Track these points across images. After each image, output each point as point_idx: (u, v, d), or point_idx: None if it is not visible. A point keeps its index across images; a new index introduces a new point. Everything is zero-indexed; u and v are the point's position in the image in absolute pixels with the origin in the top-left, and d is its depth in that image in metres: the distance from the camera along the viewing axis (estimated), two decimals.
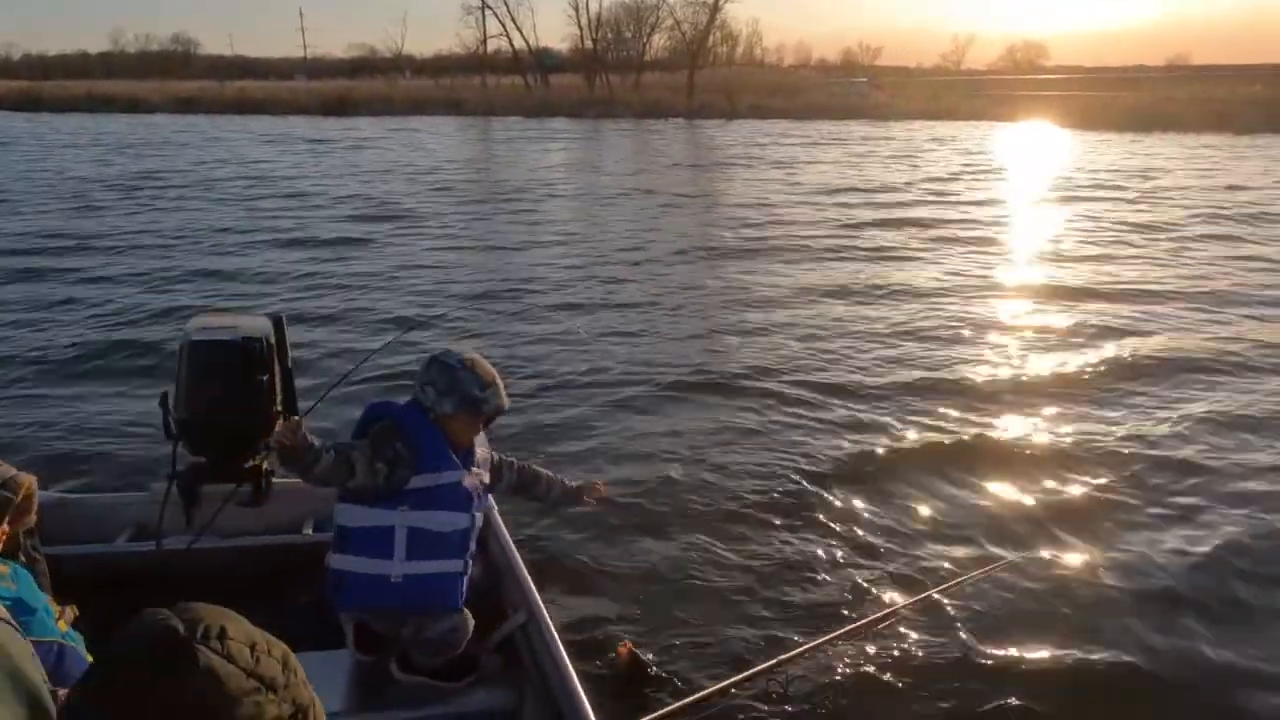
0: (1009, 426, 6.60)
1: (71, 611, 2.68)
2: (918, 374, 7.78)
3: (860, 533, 5.00)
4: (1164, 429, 6.55)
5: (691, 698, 3.36)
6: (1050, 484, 5.65)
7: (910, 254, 13.35)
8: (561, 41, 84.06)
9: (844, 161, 27.36)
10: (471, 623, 3.03)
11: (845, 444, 6.24)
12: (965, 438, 6.36)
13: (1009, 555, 4.74)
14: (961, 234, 14.90)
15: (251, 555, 3.76)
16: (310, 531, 3.99)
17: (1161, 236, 14.77)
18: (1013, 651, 3.96)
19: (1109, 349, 8.52)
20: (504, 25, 70.15)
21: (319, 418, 4.59)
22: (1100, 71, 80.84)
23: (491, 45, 69.49)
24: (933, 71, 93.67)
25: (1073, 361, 8.13)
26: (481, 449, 3.21)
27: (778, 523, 5.11)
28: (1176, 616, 4.28)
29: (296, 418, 2.93)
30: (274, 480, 3.99)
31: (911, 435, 6.42)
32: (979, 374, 7.78)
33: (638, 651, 3.64)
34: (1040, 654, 3.95)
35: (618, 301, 10.42)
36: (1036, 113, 46.23)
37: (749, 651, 3.87)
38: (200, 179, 21.71)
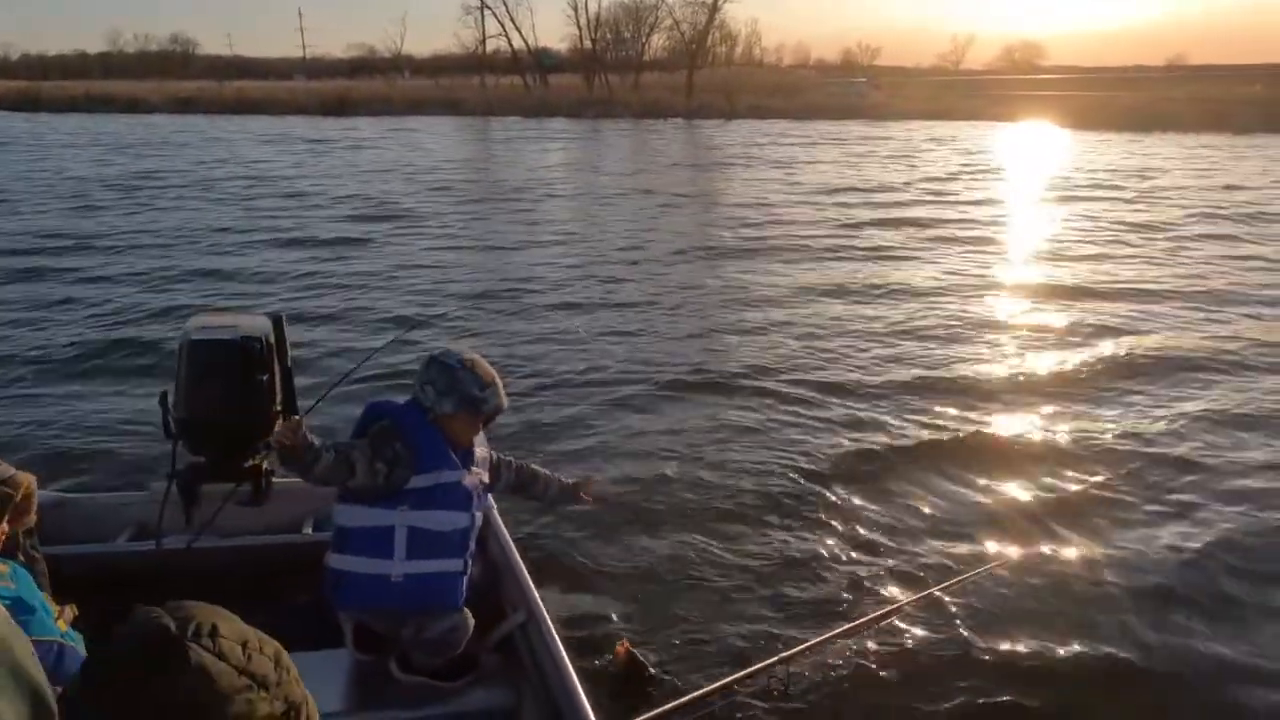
0: (1007, 424, 6.62)
1: (71, 611, 2.68)
2: (915, 373, 7.80)
3: (859, 530, 5.01)
4: (1160, 426, 6.57)
5: (690, 696, 3.35)
6: (1048, 481, 5.67)
7: (908, 253, 13.36)
8: (560, 41, 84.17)
9: (842, 161, 27.38)
10: (471, 622, 3.03)
11: (843, 442, 6.26)
12: (964, 436, 6.37)
13: (1008, 553, 4.76)
14: (959, 234, 14.92)
15: (251, 555, 3.76)
16: (310, 531, 3.99)
17: (1159, 236, 14.81)
18: (1012, 649, 3.97)
19: (1106, 347, 8.54)
20: (503, 25, 70.25)
21: (319, 417, 4.59)
22: (1099, 71, 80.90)
23: (490, 45, 69.56)
24: (931, 71, 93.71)
25: (1070, 360, 8.15)
26: (481, 449, 3.21)
27: (776, 521, 5.12)
28: (1175, 613, 4.29)
29: (296, 417, 2.93)
30: (274, 480, 3.99)
31: (910, 434, 6.43)
32: (976, 372, 7.80)
33: (635, 651, 3.65)
34: (1040, 651, 3.96)
35: (616, 301, 10.43)
36: (1035, 113, 46.26)
37: (748, 649, 3.88)
38: (199, 179, 21.71)
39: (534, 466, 3.58)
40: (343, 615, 3.08)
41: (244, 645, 1.04)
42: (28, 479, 2.67)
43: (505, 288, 10.99)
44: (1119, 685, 3.80)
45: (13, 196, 18.09)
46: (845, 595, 4.37)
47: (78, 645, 2.27)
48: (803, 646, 3.74)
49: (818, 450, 6.11)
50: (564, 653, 2.92)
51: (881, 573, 4.58)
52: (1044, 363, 8.11)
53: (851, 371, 7.84)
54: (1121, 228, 15.49)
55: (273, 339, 3.87)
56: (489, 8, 66.66)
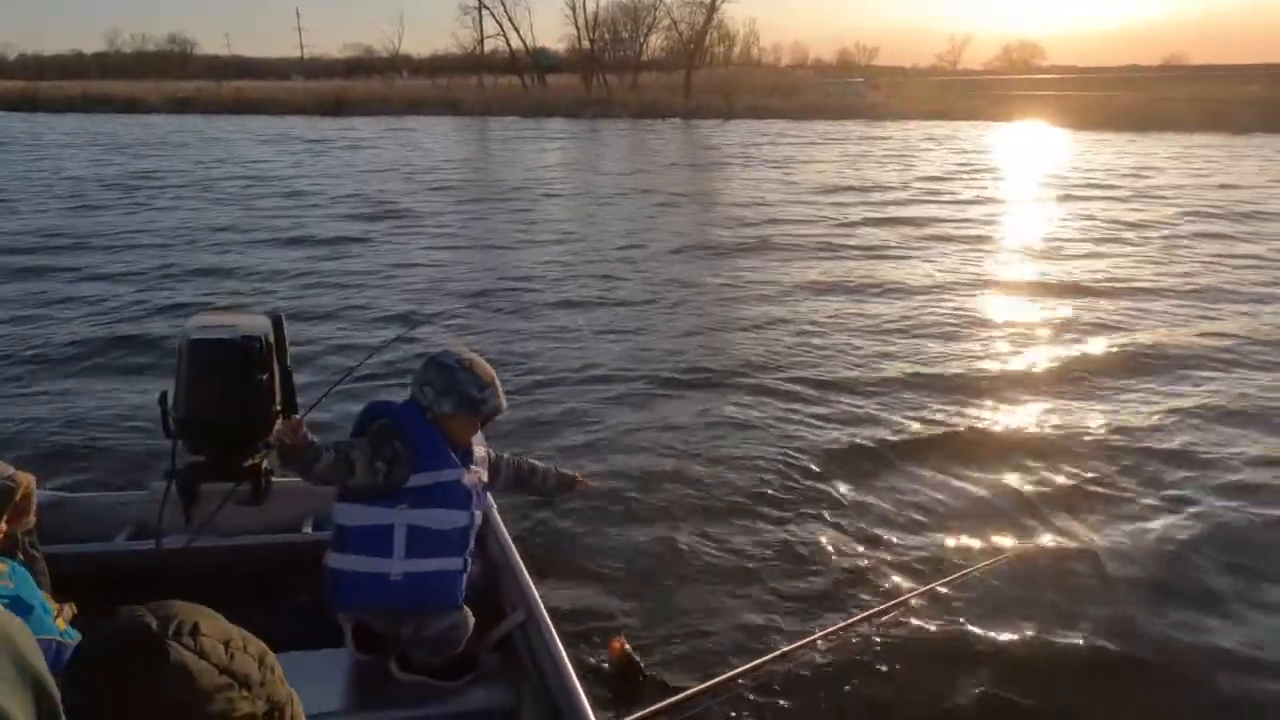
0: (1003, 420, 6.64)
1: (70, 610, 2.68)
2: (912, 369, 7.82)
3: (857, 526, 5.02)
4: (1155, 421, 6.60)
5: (689, 691, 3.36)
6: (1046, 476, 5.68)
7: (905, 252, 13.38)
8: (559, 42, 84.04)
9: (840, 161, 27.41)
10: (471, 621, 3.04)
11: (841, 438, 6.27)
12: (961, 431, 6.39)
13: (1007, 549, 4.76)
14: (956, 232, 14.94)
15: (250, 554, 3.76)
16: (309, 530, 3.99)
17: (1154, 234, 14.86)
18: (1012, 644, 3.97)
19: (1102, 344, 8.57)
20: (501, 25, 70.31)
21: (319, 416, 4.59)
22: (1097, 71, 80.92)
23: (488, 45, 69.60)
24: (929, 71, 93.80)
25: (1065, 356, 8.19)
26: (480, 448, 3.22)
27: (774, 516, 5.13)
28: (1173, 606, 4.31)
29: (296, 416, 2.93)
30: (273, 479, 3.99)
31: (907, 429, 6.44)
32: (973, 369, 7.82)
33: (630, 649, 3.65)
34: (1039, 646, 3.97)
35: (615, 299, 10.44)
36: (1032, 112, 46.32)
37: (747, 645, 3.88)
38: (197, 179, 21.70)
39: (532, 461, 3.59)
40: (342, 615, 3.08)
41: (227, 644, 1.05)
42: (27, 479, 2.67)
43: (504, 286, 11.00)
44: (1119, 679, 3.81)
45: (11, 196, 18.08)
46: (844, 590, 4.38)
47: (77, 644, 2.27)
48: (802, 642, 3.76)
49: (815, 446, 6.12)
50: (563, 652, 2.92)
51: (880, 567, 4.59)
52: (1040, 359, 8.13)
53: (849, 368, 7.85)
54: (1117, 226, 15.53)
55: (272, 338, 3.86)
56: (487, 8, 66.80)
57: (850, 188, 20.77)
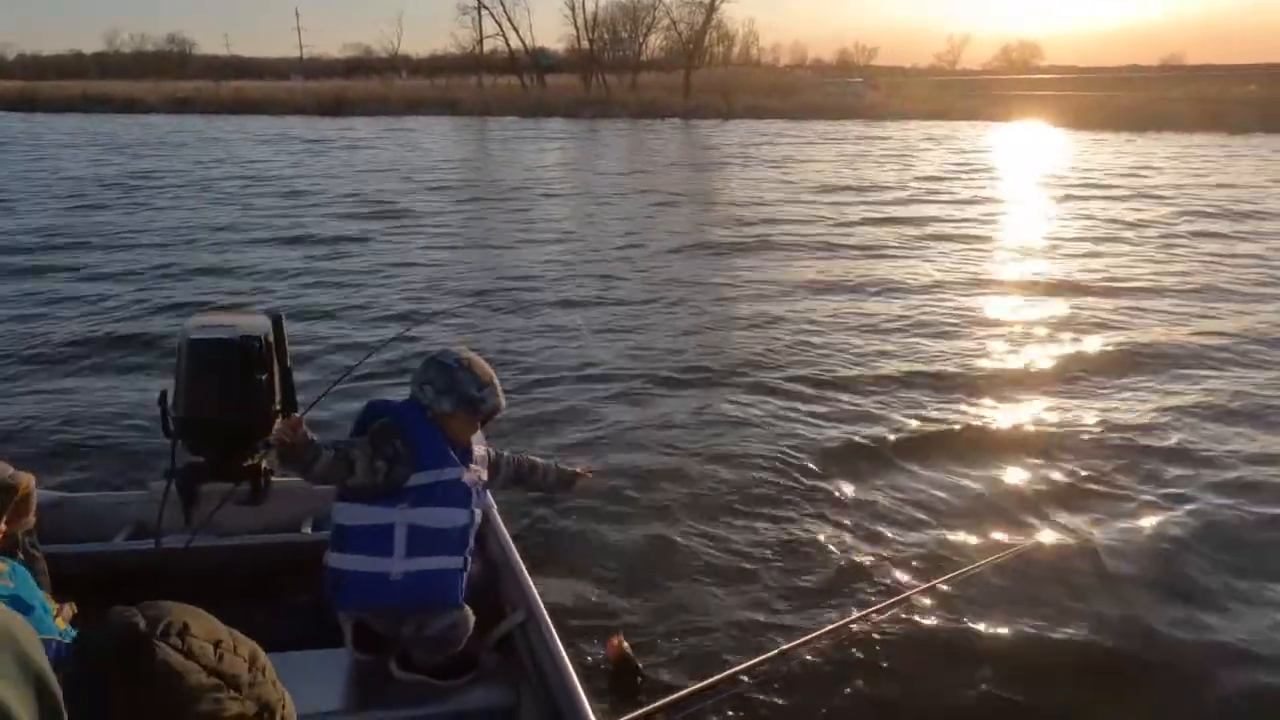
0: (1003, 418, 6.65)
1: (70, 609, 2.68)
2: (910, 367, 7.84)
3: (858, 524, 5.03)
4: (1153, 419, 6.62)
5: (689, 689, 3.37)
6: (1047, 474, 5.70)
7: (904, 251, 13.38)
8: (558, 42, 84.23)
9: (839, 160, 27.41)
10: (472, 619, 3.04)
11: (841, 436, 6.28)
12: (961, 430, 6.41)
13: (1006, 546, 4.76)
14: (955, 232, 14.94)
15: (250, 554, 3.76)
16: (309, 530, 3.99)
17: (1152, 233, 14.89)
18: (1012, 641, 3.99)
19: (1100, 343, 8.60)
20: (500, 25, 70.46)
21: (318, 415, 4.59)
22: (1097, 71, 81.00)
23: (488, 45, 69.57)
24: (928, 71, 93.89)
25: (1064, 355, 8.21)
26: (479, 447, 3.22)
27: (774, 515, 5.13)
28: (1173, 601, 4.33)
29: (296, 415, 2.93)
30: (273, 479, 3.99)
31: (906, 428, 6.45)
32: (972, 367, 7.84)
33: (628, 648, 3.65)
34: (1040, 642, 3.99)
35: (614, 298, 10.45)
36: (1031, 112, 46.32)
37: (748, 643, 3.89)
38: (197, 179, 21.69)
39: (532, 457, 3.60)
40: (342, 615, 3.08)
41: (216, 645, 1.04)
42: (27, 479, 2.67)
43: (503, 286, 11.00)
44: (1119, 675, 3.82)
45: (10, 196, 18.06)
46: (843, 588, 4.39)
47: None
48: (802, 640, 3.76)
49: (814, 444, 6.13)
50: (563, 652, 2.92)
51: (880, 565, 4.59)
52: (1038, 357, 8.15)
53: (847, 367, 7.86)
54: (1115, 225, 15.56)
55: (272, 338, 3.86)
56: (486, 8, 66.78)
57: (849, 187, 20.78)
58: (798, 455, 5.93)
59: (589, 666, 3.64)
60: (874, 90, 61.48)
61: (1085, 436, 6.29)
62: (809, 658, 3.76)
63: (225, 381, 3.73)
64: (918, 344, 8.60)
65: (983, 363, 8.01)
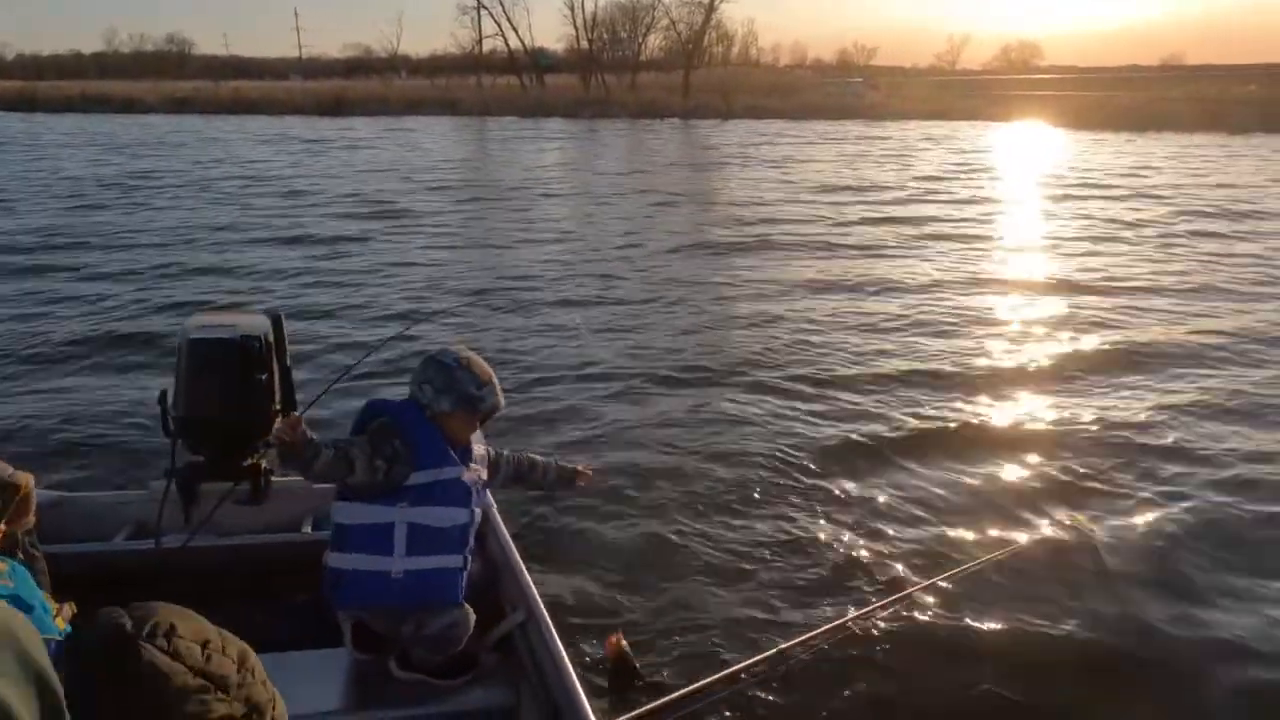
0: (1003, 417, 6.66)
1: (70, 609, 2.68)
2: (909, 366, 7.86)
3: (858, 522, 5.03)
4: (1153, 418, 6.64)
5: (689, 688, 3.36)
6: (1046, 472, 5.71)
7: (903, 251, 13.40)
8: (557, 42, 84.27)
9: (838, 160, 27.42)
10: (472, 618, 3.04)
11: (841, 435, 6.29)
12: (961, 428, 6.42)
13: (1005, 544, 4.76)
14: (954, 231, 14.96)
15: (250, 554, 3.76)
16: (309, 530, 3.99)
17: (1152, 233, 14.90)
18: (1014, 640, 3.99)
19: (1099, 341, 8.62)
20: (499, 25, 70.54)
21: (317, 414, 4.59)
22: (1097, 71, 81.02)
23: (487, 45, 69.60)
24: (928, 71, 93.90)
25: (1063, 353, 8.23)
26: (479, 446, 3.22)
27: (774, 513, 5.14)
28: (1177, 601, 4.35)
29: (295, 413, 2.93)
30: (273, 479, 3.99)
31: (906, 426, 6.47)
32: (971, 366, 7.86)
33: (626, 646, 3.65)
34: (1042, 642, 3.99)
35: (613, 297, 10.46)
36: (1031, 112, 46.33)
37: (748, 642, 3.89)
38: (196, 178, 21.68)
39: (532, 455, 3.59)
40: (342, 614, 3.08)
41: (204, 645, 1.04)
42: (26, 478, 2.67)
43: (502, 285, 11.01)
44: (1121, 673, 3.84)
45: (9, 196, 18.06)
46: (843, 586, 4.39)
47: None
48: (802, 639, 3.76)
49: (814, 442, 6.14)
50: (563, 652, 2.92)
51: (880, 563, 4.60)
52: (1036, 356, 8.16)
53: (846, 365, 7.87)
54: (1114, 225, 15.58)
55: (271, 337, 3.86)
56: (485, 8, 66.80)
57: (848, 187, 20.79)
58: (796, 454, 5.94)
59: (589, 666, 3.64)
60: (874, 90, 61.49)
61: (1083, 434, 6.30)
62: (808, 656, 3.76)
63: (225, 381, 3.73)
64: (916, 343, 8.61)
65: (981, 361, 8.02)
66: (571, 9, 70.27)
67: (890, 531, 4.95)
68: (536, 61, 70.29)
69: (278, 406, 3.87)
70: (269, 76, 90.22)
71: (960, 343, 8.62)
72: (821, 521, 5.06)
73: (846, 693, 3.62)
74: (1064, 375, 7.64)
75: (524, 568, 3.38)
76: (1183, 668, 3.87)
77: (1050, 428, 6.46)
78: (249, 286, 10.84)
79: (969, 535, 4.94)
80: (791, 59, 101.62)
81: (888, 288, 10.95)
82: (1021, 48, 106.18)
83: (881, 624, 4.03)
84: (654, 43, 73.23)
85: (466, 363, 3.07)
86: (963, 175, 23.45)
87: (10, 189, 19.19)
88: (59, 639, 2.30)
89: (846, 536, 4.89)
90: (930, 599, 4.23)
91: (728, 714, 3.43)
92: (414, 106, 55.05)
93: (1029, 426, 6.50)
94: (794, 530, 4.95)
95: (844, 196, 19.22)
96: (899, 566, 4.59)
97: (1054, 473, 5.71)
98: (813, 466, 5.76)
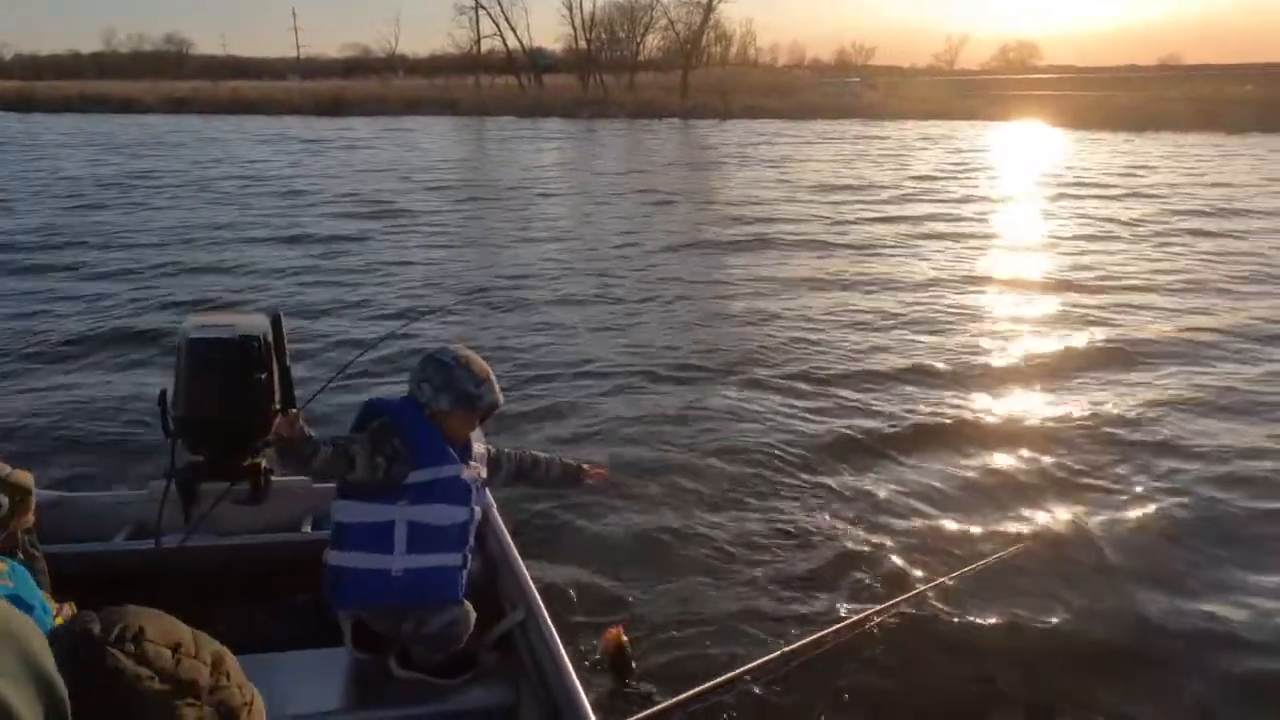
0: (1002, 414, 6.69)
1: (70, 609, 2.68)
2: (906, 363, 7.90)
3: (861, 522, 5.04)
4: (1145, 413, 6.69)
5: (690, 692, 3.36)
6: (1047, 471, 5.74)
7: (901, 249, 13.42)
8: (555, 42, 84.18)
9: (836, 160, 27.44)
10: (473, 616, 3.04)
11: (841, 432, 6.31)
12: (961, 427, 6.44)
13: (1011, 544, 4.78)
14: (952, 230, 15.00)
15: (250, 553, 3.75)
16: (309, 529, 3.99)
17: (1147, 231, 14.95)
18: (1018, 639, 4.01)
19: (1096, 339, 8.67)
20: (498, 25, 70.26)
21: (316, 411, 4.59)
22: (1095, 71, 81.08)
23: (485, 45, 69.54)
24: (926, 71, 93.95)
25: (1061, 351, 8.28)
26: (479, 444, 3.22)
27: (774, 512, 5.14)
28: (1181, 596, 4.38)
29: (294, 410, 2.93)
30: (272, 479, 3.98)
31: (904, 423, 6.49)
32: (969, 364, 7.89)
33: (626, 641, 3.65)
34: (1045, 641, 4.01)
35: (612, 296, 10.47)
36: (1029, 112, 46.36)
37: (749, 643, 3.90)
38: (195, 178, 21.67)
39: (534, 453, 3.58)
40: (342, 614, 3.08)
41: (175, 649, 1.03)
42: (26, 477, 2.67)
43: (500, 284, 11.01)
44: (1119, 668, 3.86)
45: (8, 195, 18.05)
46: (844, 584, 4.40)
47: None
48: (806, 640, 3.76)
49: (813, 440, 6.16)
50: (563, 651, 2.92)
51: (882, 562, 4.61)
52: (1033, 353, 8.20)
53: (844, 362, 7.90)
54: (1111, 224, 15.63)
55: (271, 337, 3.85)
56: (483, 8, 66.76)
57: (846, 186, 20.81)
58: (795, 450, 5.95)
59: (589, 664, 3.65)
60: (872, 90, 61.51)
61: (1079, 431, 6.34)
62: (811, 658, 3.75)
63: (225, 381, 3.73)
64: (914, 340, 8.63)
65: (978, 359, 8.04)
66: (570, 9, 70.31)
67: (888, 528, 4.96)
68: (535, 61, 70.25)
69: (277, 406, 3.86)
70: (267, 76, 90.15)
71: (957, 340, 8.64)
72: (819, 518, 5.06)
73: (847, 698, 3.61)
74: (1060, 372, 7.67)
75: (523, 566, 3.38)
76: (1185, 661, 3.89)
77: (1047, 424, 6.48)
78: (247, 285, 10.85)
79: (969, 531, 4.95)
80: (790, 59, 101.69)
81: (886, 286, 10.97)
82: (1019, 48, 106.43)
83: (887, 624, 4.02)
84: (652, 43, 73.29)
85: (464, 361, 3.07)
86: (960, 174, 23.47)
87: (9, 189, 19.18)
88: None
89: (844, 533, 4.89)
90: (934, 598, 4.23)
91: (733, 715, 3.43)
92: (412, 106, 55.02)
93: (1026, 423, 6.52)
94: (793, 527, 4.96)
95: (841, 196, 19.24)
96: (899, 562, 4.60)
97: (1053, 469, 5.73)
98: (811, 463, 5.78)
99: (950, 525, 5.03)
